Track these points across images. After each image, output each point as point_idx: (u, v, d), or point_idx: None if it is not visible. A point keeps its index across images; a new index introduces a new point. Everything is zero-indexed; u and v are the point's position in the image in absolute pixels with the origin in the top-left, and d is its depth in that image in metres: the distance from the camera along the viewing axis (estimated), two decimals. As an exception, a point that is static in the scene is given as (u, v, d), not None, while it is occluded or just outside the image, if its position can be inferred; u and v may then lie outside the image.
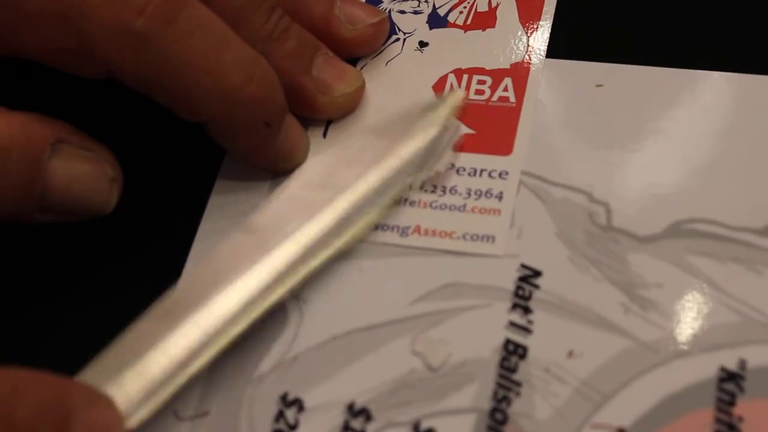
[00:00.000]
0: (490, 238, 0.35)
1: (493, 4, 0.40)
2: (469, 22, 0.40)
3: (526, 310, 0.34)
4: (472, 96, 0.38)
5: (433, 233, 0.35)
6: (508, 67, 0.39)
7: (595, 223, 0.35)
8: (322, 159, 0.37)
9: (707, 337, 0.33)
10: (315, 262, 0.34)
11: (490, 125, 0.37)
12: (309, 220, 0.34)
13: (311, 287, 0.35)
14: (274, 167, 0.37)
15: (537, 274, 0.34)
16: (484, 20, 0.40)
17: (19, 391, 0.28)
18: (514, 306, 0.34)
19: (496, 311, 0.34)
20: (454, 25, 0.40)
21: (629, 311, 0.33)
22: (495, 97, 0.38)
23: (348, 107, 0.38)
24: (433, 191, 0.36)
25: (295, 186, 0.36)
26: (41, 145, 0.33)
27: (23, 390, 0.28)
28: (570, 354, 0.33)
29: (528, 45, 0.39)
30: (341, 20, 0.38)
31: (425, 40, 0.39)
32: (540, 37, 0.39)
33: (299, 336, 0.34)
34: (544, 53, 0.39)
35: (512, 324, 0.34)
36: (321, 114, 0.37)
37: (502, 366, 0.33)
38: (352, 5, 0.38)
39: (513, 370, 0.33)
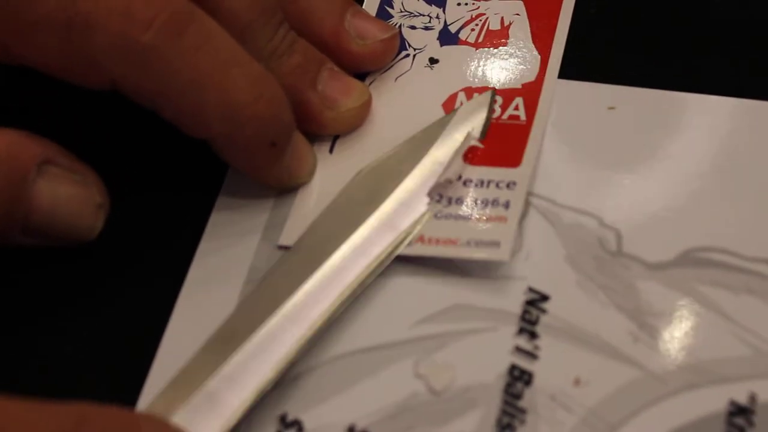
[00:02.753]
0: (495, 244, 0.34)
1: (506, 23, 0.40)
2: (480, 39, 0.39)
3: (533, 335, 0.33)
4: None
5: (437, 242, 0.34)
6: (520, 87, 0.38)
7: (605, 248, 0.34)
8: (364, 174, 0.36)
9: (717, 370, 0.32)
10: (366, 279, 0.34)
11: (499, 141, 0.37)
12: (354, 236, 0.34)
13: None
14: (279, 185, 0.36)
15: (544, 298, 0.34)
16: (497, 38, 0.39)
17: (87, 424, 0.27)
18: (521, 330, 0.33)
19: (502, 335, 0.33)
20: (466, 43, 0.39)
21: (638, 340, 0.33)
22: (505, 116, 0.37)
23: (354, 122, 0.37)
24: (438, 201, 0.35)
25: (338, 203, 0.35)
26: (27, 165, 0.31)
27: (92, 423, 0.27)
28: (577, 382, 0.32)
29: (540, 65, 0.38)
30: (351, 35, 0.37)
31: (436, 57, 0.39)
32: (553, 57, 0.38)
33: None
34: (556, 73, 0.38)
35: (518, 349, 0.33)
36: (327, 129, 0.37)
37: (506, 392, 0.32)
38: (362, 20, 0.37)
39: (518, 396, 0.32)
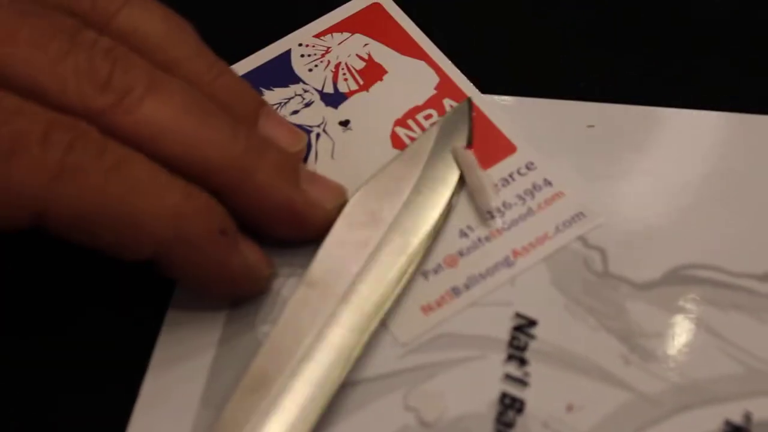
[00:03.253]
0: (579, 216, 0.35)
1: (365, 56, 0.39)
2: (361, 82, 0.39)
3: (522, 362, 0.33)
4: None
5: (531, 246, 0.34)
6: (435, 91, 0.38)
7: (591, 269, 0.34)
8: (360, 197, 0.35)
9: (711, 390, 0.32)
10: (385, 304, 0.33)
11: (476, 139, 0.37)
12: (366, 261, 0.33)
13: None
14: (233, 289, 0.34)
15: (532, 323, 0.33)
16: (373, 72, 0.39)
17: None
18: (510, 357, 0.33)
19: (490, 363, 0.33)
20: (353, 92, 0.39)
21: (629, 362, 0.32)
22: None
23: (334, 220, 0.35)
24: (492, 218, 0.35)
25: (341, 229, 0.34)
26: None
27: None
28: (569, 408, 0.32)
29: (430, 65, 0.39)
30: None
31: (342, 119, 0.38)
32: (431, 50, 0.39)
33: (286, 391, 0.33)
34: (445, 57, 0.39)
35: (508, 376, 0.32)
36: (313, 230, 0.34)
37: (499, 421, 0.32)
38: (274, 125, 0.35)
39: (510, 425, 0.31)
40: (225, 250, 0.32)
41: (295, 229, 0.34)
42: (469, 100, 0.37)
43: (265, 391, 0.31)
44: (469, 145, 0.36)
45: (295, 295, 0.33)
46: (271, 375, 0.31)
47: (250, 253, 0.33)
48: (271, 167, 0.33)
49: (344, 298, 0.33)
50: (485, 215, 0.35)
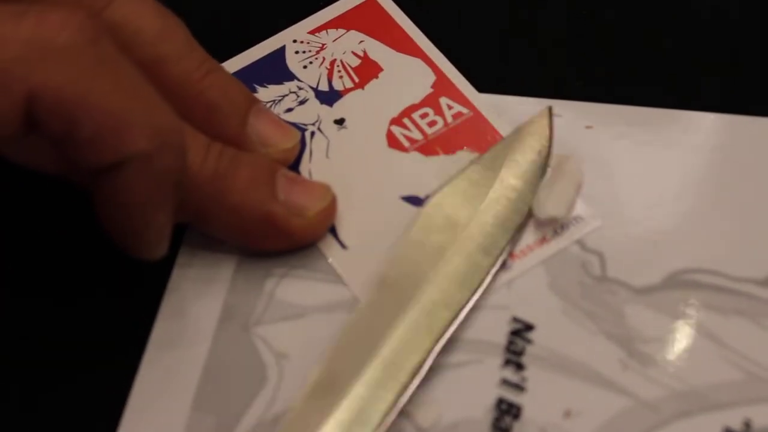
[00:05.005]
0: (577, 219, 0.35)
1: (360, 53, 0.39)
2: (356, 80, 0.38)
3: (519, 366, 0.32)
4: (432, 130, 0.37)
5: (528, 249, 0.34)
6: (431, 89, 0.38)
7: (589, 273, 0.34)
8: (438, 200, 0.34)
9: (710, 396, 0.31)
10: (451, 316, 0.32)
11: (474, 138, 0.36)
12: (441, 267, 0.33)
13: (290, 342, 0.33)
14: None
15: (529, 327, 0.33)
16: (368, 70, 0.38)
17: None
18: (507, 362, 0.32)
19: (487, 368, 0.32)
20: (348, 90, 0.38)
21: (628, 368, 0.32)
22: (449, 119, 0.37)
23: (324, 224, 0.35)
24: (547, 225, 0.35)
25: (418, 231, 0.34)
26: None
27: None
28: (567, 414, 0.31)
29: (427, 63, 0.38)
30: (253, 140, 0.35)
31: (337, 118, 0.38)
32: (427, 48, 0.38)
33: (279, 395, 0.32)
34: (442, 55, 0.38)
35: (505, 381, 0.32)
36: (298, 238, 0.34)
37: (495, 427, 0.31)
38: (265, 122, 0.35)
39: (507, 430, 0.31)
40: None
41: (280, 240, 0.34)
42: (550, 108, 0.36)
43: (332, 397, 0.31)
44: (549, 153, 0.35)
45: (369, 297, 0.33)
46: (340, 381, 0.31)
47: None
48: (243, 185, 0.33)
49: (417, 301, 0.32)
50: (542, 221, 0.34)
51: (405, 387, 0.31)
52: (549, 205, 0.34)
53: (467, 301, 0.33)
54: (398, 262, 0.33)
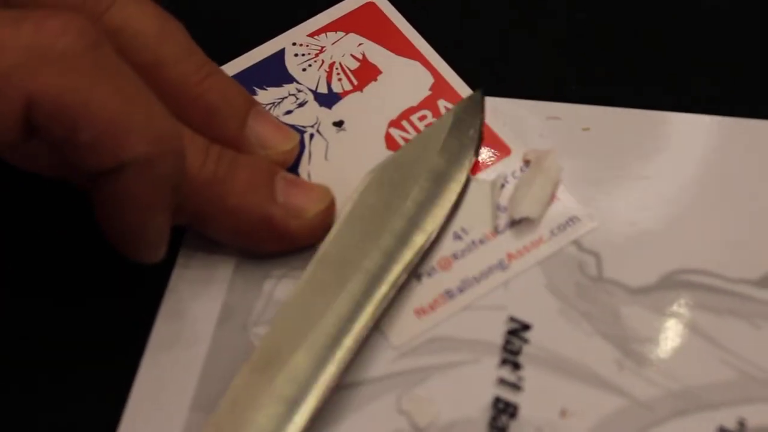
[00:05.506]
0: (574, 219, 0.35)
1: (360, 56, 0.39)
2: (355, 82, 0.38)
3: (516, 366, 0.32)
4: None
5: (525, 249, 0.34)
6: (430, 92, 0.38)
7: (586, 273, 0.34)
8: (376, 178, 0.35)
9: (705, 395, 0.31)
10: (388, 289, 0.33)
11: None
12: (382, 251, 0.33)
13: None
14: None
15: (526, 327, 0.33)
16: (367, 73, 0.39)
17: None
18: (504, 361, 0.32)
19: (484, 367, 0.32)
20: (347, 93, 0.38)
21: (624, 368, 0.32)
22: None
23: (324, 226, 0.35)
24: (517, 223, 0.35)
25: (355, 210, 0.34)
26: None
27: None
28: (563, 413, 0.31)
29: (426, 66, 0.38)
30: (252, 142, 0.35)
31: (336, 120, 0.38)
32: (426, 51, 0.39)
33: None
34: (440, 58, 0.38)
35: (502, 381, 0.32)
36: (297, 241, 0.34)
37: (492, 426, 0.31)
38: (264, 124, 0.35)
39: (503, 429, 0.31)
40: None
41: (278, 243, 0.34)
42: (482, 93, 0.37)
43: (274, 370, 0.31)
44: (480, 136, 0.36)
45: (306, 273, 0.33)
46: (282, 353, 0.31)
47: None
48: (242, 188, 0.33)
49: (354, 274, 0.33)
50: (514, 219, 0.35)
51: (346, 357, 0.31)
52: (524, 205, 0.34)
53: (401, 274, 0.33)
54: (336, 240, 0.34)
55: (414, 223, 0.34)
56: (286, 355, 0.31)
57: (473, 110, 0.36)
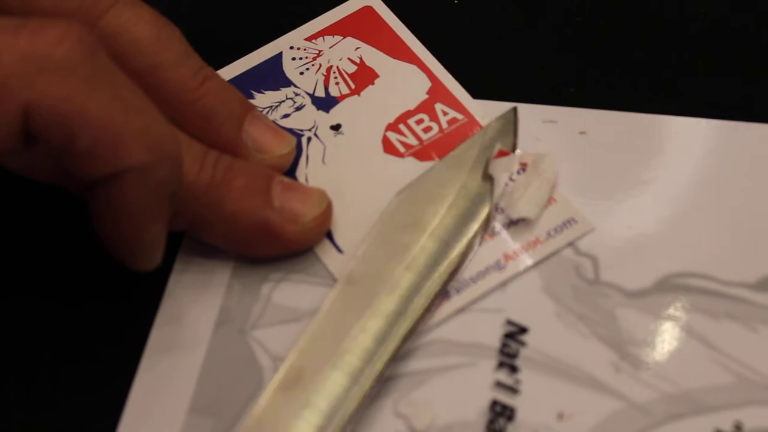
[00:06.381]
0: (571, 222, 0.35)
1: (357, 60, 0.39)
2: (353, 86, 0.39)
3: (513, 369, 0.32)
4: (427, 136, 0.37)
5: (522, 250, 0.34)
6: (427, 95, 0.38)
7: (582, 276, 0.34)
8: (404, 198, 0.35)
9: (702, 399, 0.31)
10: (419, 310, 0.33)
11: None
12: (407, 265, 0.33)
13: (287, 346, 0.33)
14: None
15: (523, 330, 0.33)
16: (364, 76, 0.39)
17: None
18: (501, 364, 0.33)
19: (481, 370, 0.33)
20: (344, 96, 0.38)
21: (620, 370, 0.32)
22: (444, 125, 0.37)
23: (320, 230, 0.35)
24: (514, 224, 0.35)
25: (384, 229, 0.34)
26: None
27: None
28: (560, 416, 0.32)
29: (422, 69, 0.39)
30: (249, 147, 0.35)
31: (334, 123, 0.38)
32: (423, 55, 0.39)
33: (275, 398, 0.32)
34: (437, 62, 0.39)
35: (499, 384, 0.32)
36: (294, 244, 0.34)
37: (489, 429, 0.31)
38: (260, 129, 0.35)
39: (501, 433, 0.31)
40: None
41: (276, 247, 0.34)
42: (515, 109, 0.37)
43: (301, 389, 0.31)
44: (513, 153, 0.36)
45: (334, 292, 0.33)
46: (308, 372, 0.31)
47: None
48: (239, 193, 0.33)
49: (384, 295, 0.33)
50: (511, 220, 0.35)
51: (377, 377, 0.31)
52: (521, 205, 0.35)
53: (433, 291, 0.33)
54: (364, 259, 0.34)
55: (444, 240, 0.34)
56: (315, 373, 0.31)
57: (506, 129, 0.36)
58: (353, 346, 0.32)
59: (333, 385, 0.31)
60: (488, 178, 0.35)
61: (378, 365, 0.32)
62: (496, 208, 0.35)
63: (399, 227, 0.34)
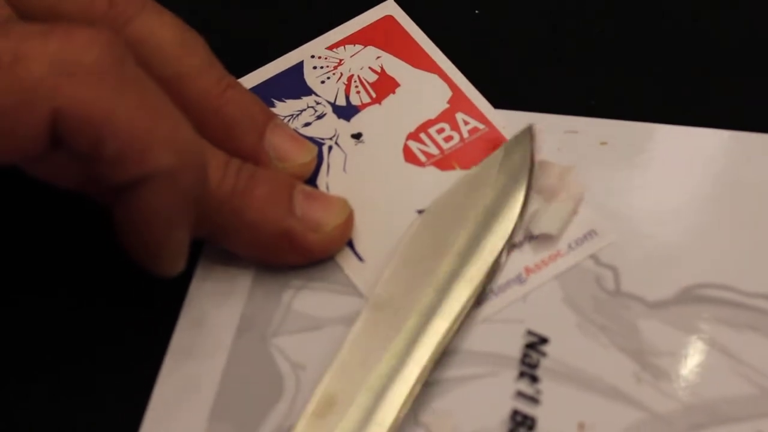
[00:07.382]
0: (592, 233, 0.35)
1: (378, 68, 0.39)
2: (374, 95, 0.39)
3: (534, 379, 0.32)
4: (448, 145, 0.37)
5: (543, 263, 0.34)
6: (448, 105, 0.38)
7: (603, 287, 0.34)
8: (429, 219, 0.35)
9: (723, 409, 0.31)
10: (449, 333, 0.33)
11: (489, 153, 0.36)
12: (433, 288, 0.33)
13: (307, 354, 0.33)
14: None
15: (544, 341, 0.33)
16: (386, 84, 0.39)
17: None
18: (521, 374, 0.33)
19: (502, 380, 0.33)
20: (365, 105, 0.39)
21: (642, 381, 0.32)
22: (465, 134, 0.37)
23: (342, 239, 0.35)
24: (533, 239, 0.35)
25: (409, 251, 0.34)
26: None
27: None
28: (581, 426, 0.32)
29: (444, 79, 0.39)
30: (270, 156, 0.35)
31: (355, 132, 0.38)
32: (444, 64, 0.39)
33: (296, 406, 0.32)
34: (458, 71, 0.39)
35: (520, 393, 0.32)
36: (315, 254, 0.34)
37: (510, 439, 0.31)
38: (282, 137, 0.35)
39: (521, 442, 0.31)
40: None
41: (297, 256, 0.34)
42: (531, 126, 0.36)
43: (334, 417, 0.31)
44: (532, 170, 0.36)
45: (362, 317, 0.33)
46: (340, 399, 0.31)
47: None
48: (261, 202, 0.33)
49: (412, 326, 0.33)
50: (533, 235, 0.35)
51: (407, 400, 0.31)
52: (544, 221, 0.35)
53: (459, 312, 0.33)
54: (390, 281, 0.34)
55: (468, 260, 0.34)
56: (348, 399, 0.31)
57: (524, 145, 0.36)
58: (384, 371, 0.32)
59: (365, 411, 0.31)
60: (510, 195, 0.35)
61: (409, 389, 0.31)
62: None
63: (424, 249, 0.34)
